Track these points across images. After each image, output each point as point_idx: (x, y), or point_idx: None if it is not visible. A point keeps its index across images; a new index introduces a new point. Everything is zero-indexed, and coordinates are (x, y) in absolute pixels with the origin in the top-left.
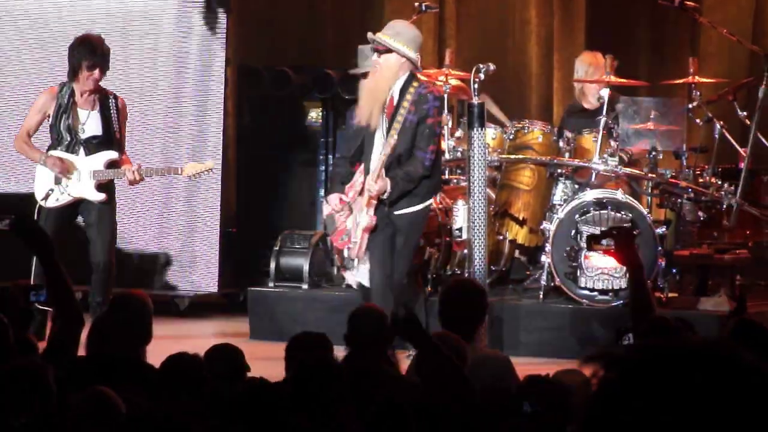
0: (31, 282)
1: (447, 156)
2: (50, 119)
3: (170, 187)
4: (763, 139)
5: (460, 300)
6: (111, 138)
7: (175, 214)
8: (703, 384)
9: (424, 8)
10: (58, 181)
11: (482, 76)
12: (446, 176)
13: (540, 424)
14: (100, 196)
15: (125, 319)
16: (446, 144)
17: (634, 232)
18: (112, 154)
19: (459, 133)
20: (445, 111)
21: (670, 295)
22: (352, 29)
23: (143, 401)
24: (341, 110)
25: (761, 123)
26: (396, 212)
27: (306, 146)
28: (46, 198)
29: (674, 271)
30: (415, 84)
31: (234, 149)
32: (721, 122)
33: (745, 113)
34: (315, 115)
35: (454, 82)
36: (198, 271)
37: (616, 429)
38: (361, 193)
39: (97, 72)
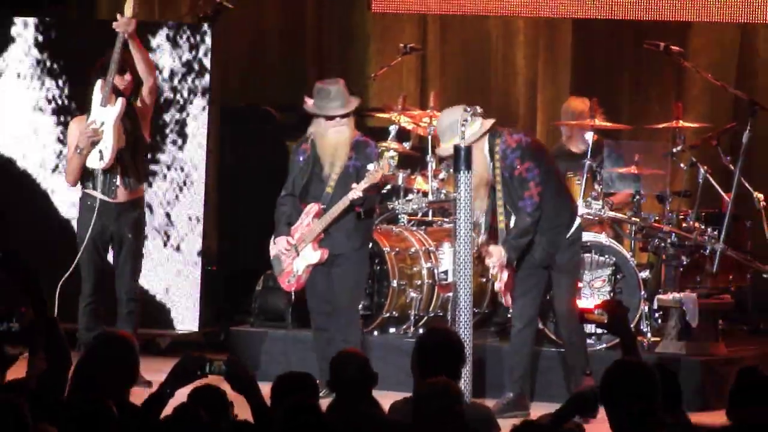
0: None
1: (431, 198)
2: None
3: (150, 224)
4: (747, 184)
5: (438, 351)
6: None
7: (156, 251)
8: None
9: (408, 49)
10: None
11: (469, 119)
12: (429, 218)
13: None
14: None
15: (110, 359)
16: (429, 186)
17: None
18: None
19: (443, 174)
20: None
21: (653, 339)
22: (335, 68)
23: None
24: None
25: (745, 168)
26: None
27: None
28: None
29: (657, 315)
30: (498, 142)
31: (217, 188)
32: (705, 167)
33: (729, 158)
34: None
35: None
36: (179, 309)
37: None
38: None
39: None
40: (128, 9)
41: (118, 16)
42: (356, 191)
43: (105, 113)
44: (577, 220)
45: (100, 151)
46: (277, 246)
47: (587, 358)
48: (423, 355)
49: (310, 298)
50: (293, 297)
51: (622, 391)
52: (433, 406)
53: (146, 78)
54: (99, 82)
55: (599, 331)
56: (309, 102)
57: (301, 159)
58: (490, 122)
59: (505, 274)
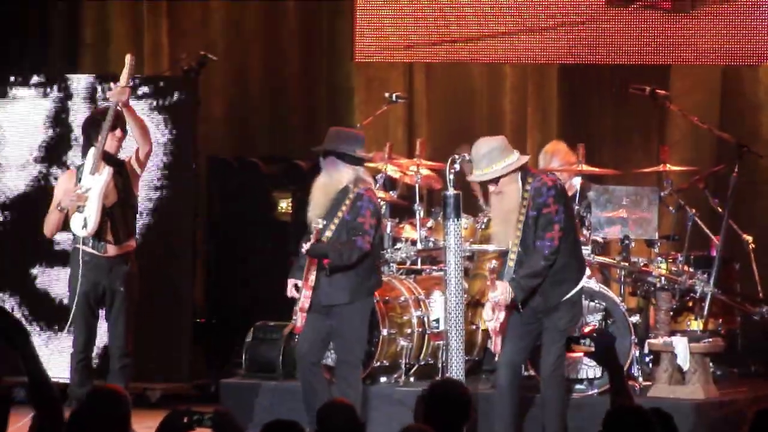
0: None
1: (419, 246)
2: None
3: (139, 278)
4: (735, 227)
5: (445, 403)
6: None
7: (145, 304)
8: None
9: (394, 98)
10: None
11: (458, 167)
12: (418, 266)
13: None
14: None
15: (102, 414)
16: (418, 234)
17: (613, 336)
18: None
19: (431, 223)
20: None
21: (644, 383)
22: (320, 118)
23: None
24: None
25: (733, 210)
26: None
27: (276, 236)
28: None
29: (648, 359)
30: (530, 180)
31: (204, 239)
32: (693, 210)
33: (717, 200)
34: (285, 205)
35: (425, 171)
36: (169, 362)
37: None
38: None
39: None
40: (123, 78)
41: (112, 84)
42: (306, 245)
43: (93, 181)
44: (583, 280)
45: (85, 219)
46: (288, 286)
47: (564, 422)
48: (429, 407)
49: (299, 344)
50: (283, 348)
51: None
52: None
53: (142, 145)
54: (91, 150)
55: (590, 375)
56: None
57: None
58: (526, 157)
59: (502, 314)
